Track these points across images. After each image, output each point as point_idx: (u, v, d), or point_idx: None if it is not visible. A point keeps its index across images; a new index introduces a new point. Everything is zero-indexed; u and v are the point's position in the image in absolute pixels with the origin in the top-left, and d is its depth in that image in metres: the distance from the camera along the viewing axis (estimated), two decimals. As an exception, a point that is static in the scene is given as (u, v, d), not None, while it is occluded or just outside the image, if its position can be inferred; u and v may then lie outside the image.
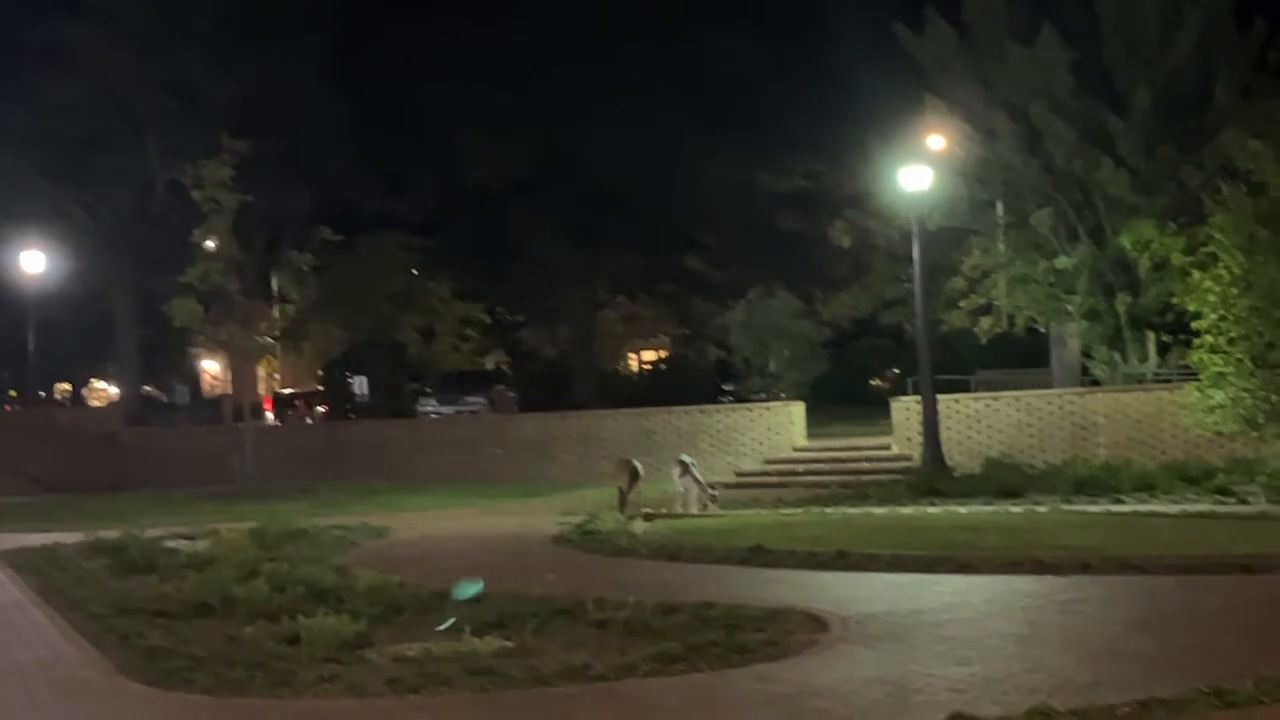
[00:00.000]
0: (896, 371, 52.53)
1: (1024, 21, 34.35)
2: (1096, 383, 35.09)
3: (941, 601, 14.39)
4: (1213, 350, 25.39)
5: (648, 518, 23.97)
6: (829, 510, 24.74)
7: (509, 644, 13.01)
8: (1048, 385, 38.17)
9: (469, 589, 14.59)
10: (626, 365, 73.97)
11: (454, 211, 54.10)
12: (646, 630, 13.32)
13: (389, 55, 51.54)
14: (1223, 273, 25.16)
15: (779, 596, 14.93)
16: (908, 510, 24.28)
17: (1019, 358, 43.29)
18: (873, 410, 42.94)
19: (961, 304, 38.74)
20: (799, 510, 24.86)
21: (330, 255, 43.65)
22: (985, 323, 39.44)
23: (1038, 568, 15.93)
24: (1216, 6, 33.05)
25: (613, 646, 12.69)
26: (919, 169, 29.24)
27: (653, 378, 62.40)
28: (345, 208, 49.31)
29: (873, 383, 54.94)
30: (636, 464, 26.37)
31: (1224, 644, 12.04)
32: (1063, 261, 34.01)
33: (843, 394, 44.87)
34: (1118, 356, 34.29)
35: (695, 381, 54.08)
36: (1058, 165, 33.70)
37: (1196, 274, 25.75)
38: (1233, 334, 25.02)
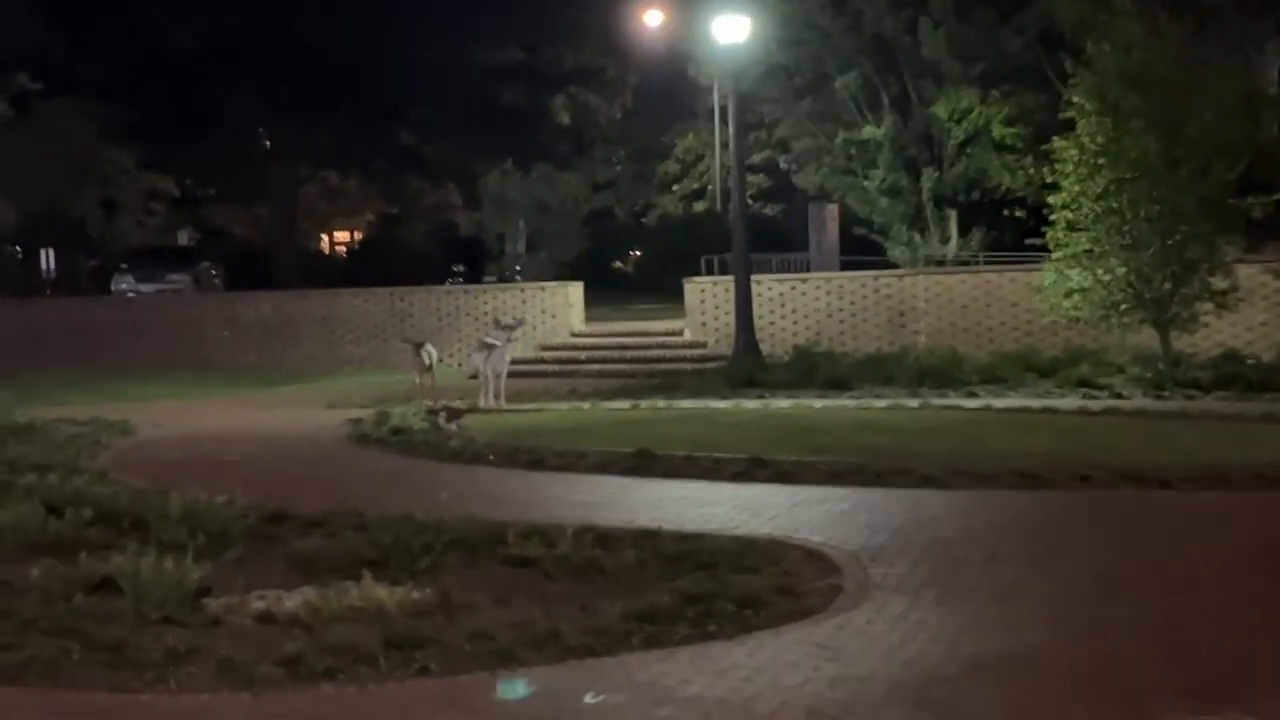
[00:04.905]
0: (638, 253, 49.85)
1: None
2: (854, 267, 32.74)
3: (962, 525, 11.25)
4: (1071, 227, 22.76)
5: (453, 414, 20.21)
6: (660, 404, 21.40)
7: (418, 596, 9.33)
8: (806, 268, 36.24)
9: None
10: (322, 245, 69.62)
11: (145, 76, 48.40)
12: (597, 572, 9.83)
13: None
14: (1086, 141, 22.55)
15: (726, 519, 11.62)
16: (753, 404, 21.06)
17: (765, 241, 41.01)
18: (628, 293, 40.34)
19: (675, 188, 36.52)
20: (625, 405, 21.40)
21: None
22: (701, 206, 37.35)
23: (1024, 481, 12.89)
24: None
25: (560, 596, 9.23)
26: (735, 19, 25.85)
27: (359, 257, 57.81)
28: (26, 68, 44.14)
29: (615, 264, 51.83)
30: (428, 349, 22.71)
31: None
32: (869, 132, 31.13)
33: (592, 276, 41.79)
34: (918, 237, 31.75)
35: (417, 261, 49.97)
36: (867, 26, 30.71)
37: (1057, 141, 22.98)
38: (1097, 210, 22.45)
